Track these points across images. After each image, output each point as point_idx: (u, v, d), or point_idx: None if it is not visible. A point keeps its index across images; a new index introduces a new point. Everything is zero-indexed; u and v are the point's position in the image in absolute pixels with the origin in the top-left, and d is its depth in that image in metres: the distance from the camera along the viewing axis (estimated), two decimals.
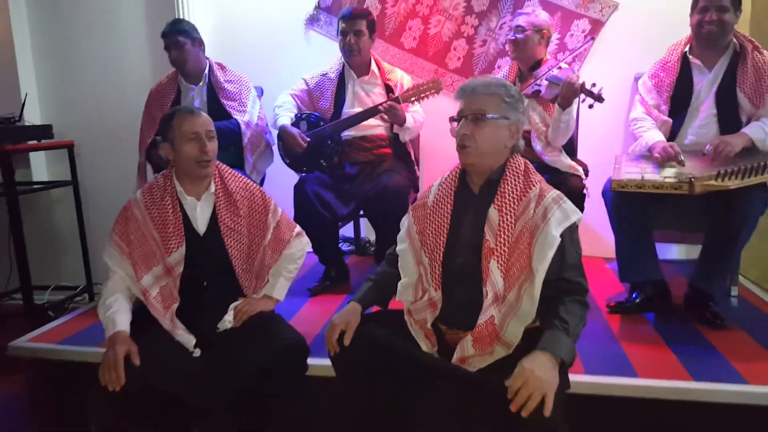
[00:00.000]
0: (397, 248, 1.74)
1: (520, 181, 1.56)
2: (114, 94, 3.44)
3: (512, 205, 1.54)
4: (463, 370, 1.52)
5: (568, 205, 1.53)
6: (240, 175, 2.01)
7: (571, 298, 1.49)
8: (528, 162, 1.62)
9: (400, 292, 1.70)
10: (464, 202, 1.64)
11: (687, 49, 2.41)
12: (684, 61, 2.40)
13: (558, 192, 1.56)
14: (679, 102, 2.39)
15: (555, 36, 3.04)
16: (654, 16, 2.94)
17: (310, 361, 1.82)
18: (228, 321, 1.83)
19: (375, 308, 1.76)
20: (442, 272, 1.61)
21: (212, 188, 1.91)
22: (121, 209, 1.91)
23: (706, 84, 2.35)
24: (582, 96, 2.35)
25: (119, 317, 1.71)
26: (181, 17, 3.20)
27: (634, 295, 2.39)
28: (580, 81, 2.34)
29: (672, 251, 3.23)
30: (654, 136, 2.37)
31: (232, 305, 1.86)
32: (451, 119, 1.64)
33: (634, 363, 1.98)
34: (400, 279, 1.69)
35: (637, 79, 2.67)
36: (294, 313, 2.46)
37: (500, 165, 1.60)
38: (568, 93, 2.36)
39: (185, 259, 1.82)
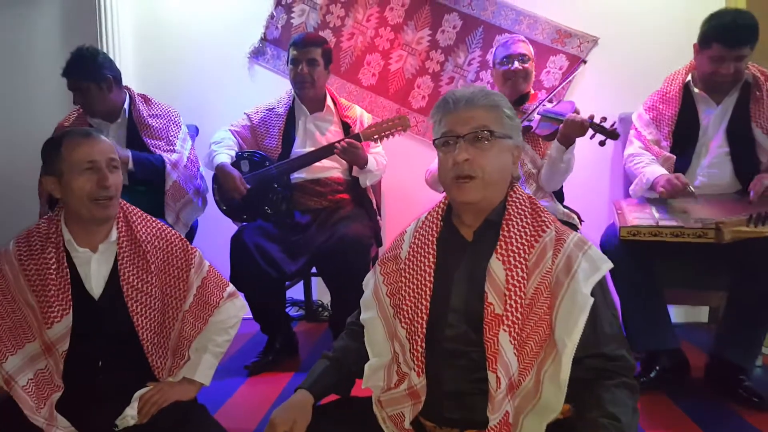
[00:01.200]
0: (362, 317, 1.34)
1: (528, 221, 1.20)
2: (17, 135, 3.19)
3: (522, 255, 1.16)
4: None
5: (595, 251, 1.17)
6: (153, 218, 1.66)
7: (615, 382, 1.12)
8: (533, 197, 1.27)
9: (367, 376, 1.28)
10: (453, 253, 1.25)
11: (689, 79, 2.24)
12: (686, 92, 2.23)
13: (579, 235, 1.21)
14: (683, 139, 2.20)
15: None
16: (638, 52, 2.86)
17: None
18: (130, 416, 1.48)
19: (332, 396, 1.35)
20: (425, 350, 1.20)
21: (113, 236, 1.56)
22: None
23: (714, 119, 2.17)
24: (590, 133, 2.14)
25: None
26: (104, 45, 2.98)
27: (648, 369, 2.10)
28: (587, 116, 2.13)
29: (671, 313, 2.96)
30: (655, 170, 2.18)
31: (138, 393, 1.51)
32: (436, 142, 1.26)
33: None
34: (365, 356, 1.31)
35: (622, 119, 2.51)
36: (225, 401, 2.12)
37: (500, 201, 1.24)
38: (572, 130, 2.14)
39: (72, 333, 1.48)
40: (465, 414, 1.17)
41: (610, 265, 1.16)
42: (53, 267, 1.48)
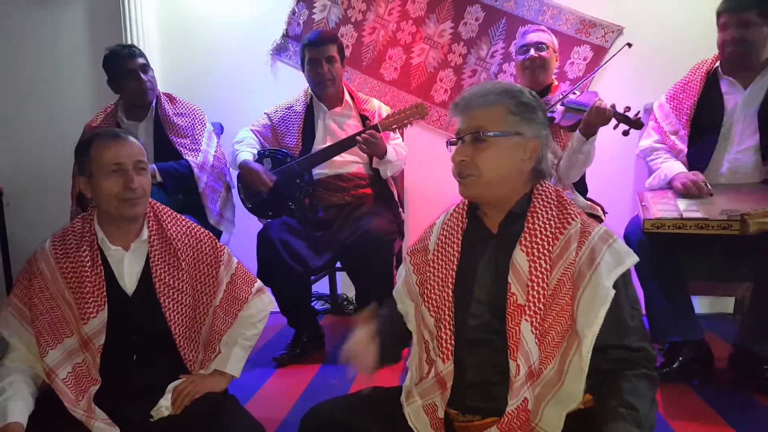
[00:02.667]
0: (398, 306, 1.40)
1: (554, 213, 1.21)
2: (48, 134, 3.24)
3: (546, 247, 1.18)
4: None
5: (620, 245, 1.18)
6: (183, 217, 1.69)
7: (636, 372, 1.13)
8: (560, 190, 1.28)
9: (410, 358, 1.35)
10: (477, 245, 1.28)
11: (717, 65, 2.21)
12: (712, 80, 2.20)
13: (605, 228, 1.21)
14: (707, 125, 2.17)
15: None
16: (663, 41, 2.80)
17: None
18: (164, 407, 1.51)
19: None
20: (453, 338, 1.24)
21: (145, 234, 1.59)
22: (24, 263, 1.59)
23: (741, 102, 2.13)
24: (614, 122, 2.12)
25: (13, 405, 1.43)
26: (130, 44, 2.97)
27: (673, 359, 2.08)
28: (610, 104, 2.11)
29: (695, 305, 2.91)
30: (673, 167, 2.17)
31: (171, 386, 1.54)
32: (449, 143, 1.30)
33: None
34: (401, 343, 1.43)
35: (647, 110, 2.48)
36: (254, 392, 2.16)
37: (524, 194, 1.25)
38: (596, 119, 2.12)
39: (108, 328, 1.52)
40: (486, 402, 1.20)
41: (635, 259, 1.17)
42: (88, 265, 1.52)
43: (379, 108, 2.63)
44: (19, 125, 3.25)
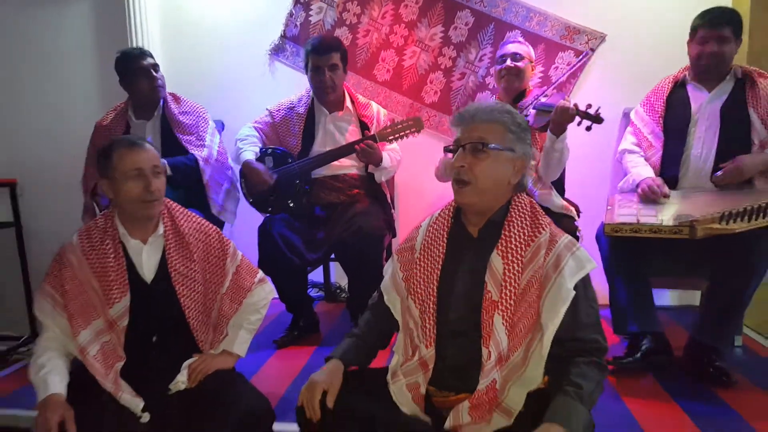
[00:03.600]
0: (385, 298, 1.55)
1: (527, 223, 1.38)
2: (61, 129, 3.27)
3: (519, 252, 1.35)
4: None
5: (582, 253, 1.36)
6: (193, 214, 1.83)
7: (586, 360, 1.30)
8: (534, 202, 1.45)
9: (396, 344, 1.51)
10: (460, 247, 1.45)
11: (686, 74, 2.35)
12: (680, 86, 2.35)
13: (570, 237, 1.39)
14: (676, 123, 2.29)
15: (539, 69, 2.97)
16: (644, 49, 2.89)
17: (276, 426, 1.63)
18: (181, 381, 1.65)
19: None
20: (436, 327, 1.41)
21: (161, 229, 1.73)
22: (54, 256, 1.72)
23: (705, 103, 2.26)
24: (578, 119, 2.23)
25: (53, 378, 1.56)
26: (133, 45, 3.04)
27: (635, 349, 2.22)
28: (573, 103, 2.23)
29: (665, 297, 3.10)
30: (642, 172, 2.29)
31: (186, 363, 1.69)
32: (446, 150, 1.46)
33: (643, 423, 1.81)
34: (386, 333, 1.56)
35: (626, 114, 2.59)
36: (257, 369, 2.29)
37: (503, 204, 1.42)
38: (561, 117, 2.23)
39: (130, 311, 1.66)
40: (460, 382, 1.37)
41: (593, 265, 1.34)
42: (111, 256, 1.65)
43: (378, 113, 2.69)
44: (31, 121, 3.27)
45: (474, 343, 1.36)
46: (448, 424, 1.33)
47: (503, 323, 1.32)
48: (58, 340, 1.63)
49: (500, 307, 1.33)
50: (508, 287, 1.33)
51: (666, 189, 2.17)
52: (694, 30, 2.25)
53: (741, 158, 2.12)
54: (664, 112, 2.32)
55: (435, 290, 1.41)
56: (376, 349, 1.56)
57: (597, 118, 2.19)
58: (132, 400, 1.57)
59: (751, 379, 2.12)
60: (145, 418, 1.56)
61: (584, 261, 1.34)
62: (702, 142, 2.23)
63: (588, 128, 2.22)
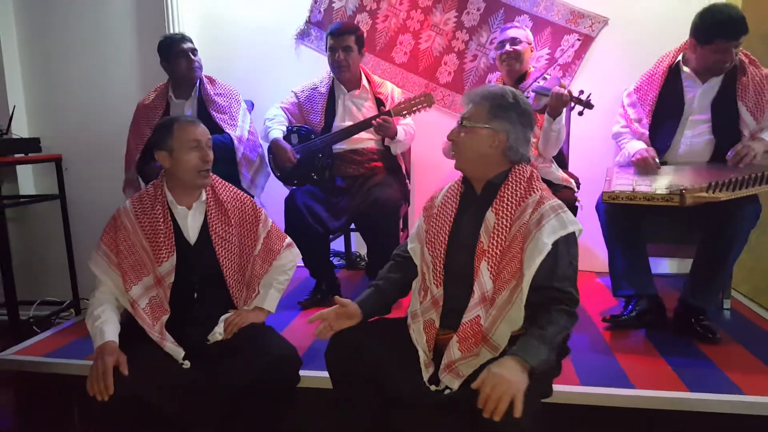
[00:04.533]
0: (409, 246, 1.76)
1: (522, 186, 1.58)
2: (102, 107, 3.43)
3: (509, 210, 1.56)
4: (441, 396, 1.53)
5: (568, 215, 1.54)
6: (230, 185, 2.01)
7: (558, 308, 1.47)
8: (535, 172, 1.63)
9: (414, 285, 1.73)
10: (467, 204, 1.67)
11: (681, 58, 2.43)
12: (674, 72, 2.42)
13: (559, 202, 1.57)
14: (669, 113, 2.40)
15: (545, 51, 3.09)
16: (645, 31, 2.98)
17: (302, 372, 1.81)
18: (218, 333, 1.82)
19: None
20: (444, 270, 1.62)
21: (203, 197, 1.91)
22: (110, 218, 1.90)
23: (699, 95, 2.36)
24: (571, 104, 2.39)
25: (107, 327, 1.70)
26: (171, 31, 3.21)
27: (629, 309, 2.38)
28: (567, 89, 2.38)
29: (664, 265, 3.24)
30: (635, 145, 2.42)
31: (223, 317, 1.86)
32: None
33: (630, 374, 1.97)
34: (402, 284, 1.75)
35: (629, 96, 2.68)
36: (285, 326, 2.45)
37: (502, 171, 1.62)
38: (556, 102, 2.39)
39: (176, 269, 1.83)
40: (459, 321, 1.55)
41: (578, 227, 1.53)
42: (161, 220, 1.83)
43: (392, 91, 2.84)
44: (76, 100, 3.42)
45: (471, 286, 1.57)
46: (443, 363, 1.54)
47: (488, 268, 1.53)
48: (111, 294, 1.79)
49: (487, 254, 1.54)
50: (496, 238, 1.54)
51: (657, 158, 2.31)
52: (707, 39, 2.22)
53: (746, 143, 2.24)
54: (655, 105, 2.41)
55: (446, 238, 1.63)
56: (393, 298, 1.75)
57: (588, 104, 2.35)
58: (175, 349, 1.73)
59: (735, 338, 2.26)
60: (186, 364, 1.73)
61: (568, 223, 1.52)
62: (694, 129, 2.36)
63: (580, 113, 2.38)
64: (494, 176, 1.62)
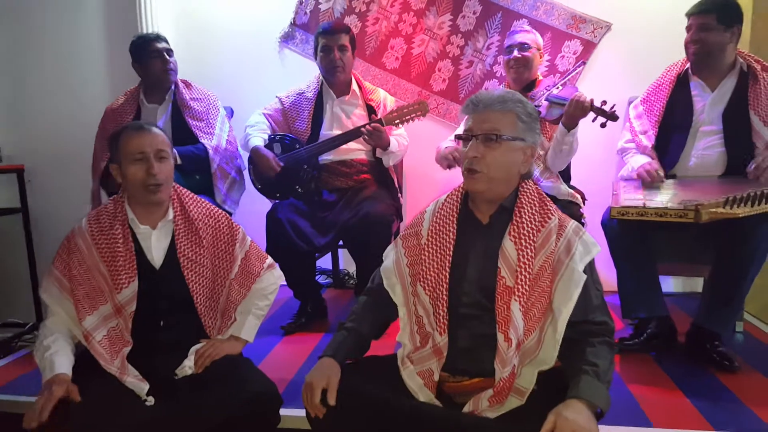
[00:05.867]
0: (385, 283, 1.54)
1: (537, 210, 1.40)
2: (69, 113, 3.30)
3: (531, 238, 1.37)
4: (471, 418, 1.34)
5: (588, 237, 1.39)
6: (203, 200, 1.84)
7: (598, 340, 1.34)
8: (539, 188, 1.47)
9: (401, 331, 1.50)
10: (469, 233, 1.45)
11: (688, 66, 2.33)
12: (682, 81, 2.32)
13: (577, 223, 1.41)
14: (678, 124, 2.29)
15: (545, 57, 2.97)
16: (648, 38, 2.89)
17: (283, 411, 1.64)
18: (188, 366, 1.65)
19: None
20: (448, 314, 1.41)
21: (170, 215, 1.74)
22: (63, 239, 1.73)
23: (708, 104, 2.25)
24: (592, 115, 2.25)
25: (59, 359, 1.56)
26: (144, 31, 3.06)
27: (640, 332, 2.26)
28: (589, 99, 2.24)
29: (669, 284, 3.11)
30: (639, 159, 2.31)
31: (193, 348, 1.69)
32: (457, 137, 1.49)
33: (647, 410, 1.83)
34: (380, 322, 1.55)
35: (631, 103, 2.58)
36: (265, 355, 2.30)
37: (512, 191, 1.44)
38: (576, 112, 2.25)
39: (138, 297, 1.66)
40: (474, 365, 1.38)
41: (599, 249, 1.37)
42: (120, 241, 1.65)
43: (385, 99, 2.70)
44: (41, 107, 3.29)
45: (486, 326, 1.37)
46: (467, 409, 1.35)
47: (520, 309, 1.33)
48: (63, 324, 1.64)
49: (516, 293, 1.34)
50: (523, 273, 1.34)
51: (662, 172, 2.20)
52: (687, 19, 2.25)
53: (767, 154, 2.11)
54: (662, 116, 2.31)
55: (447, 276, 1.41)
56: (369, 340, 1.53)
57: (612, 116, 2.20)
58: (137, 384, 1.57)
59: (752, 364, 2.13)
60: (150, 401, 1.56)
61: (590, 245, 1.36)
62: (705, 141, 2.24)
63: (603, 125, 2.24)
64: (506, 199, 1.43)
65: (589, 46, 2.94)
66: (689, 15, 2.21)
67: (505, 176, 1.40)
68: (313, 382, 1.36)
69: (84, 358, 1.60)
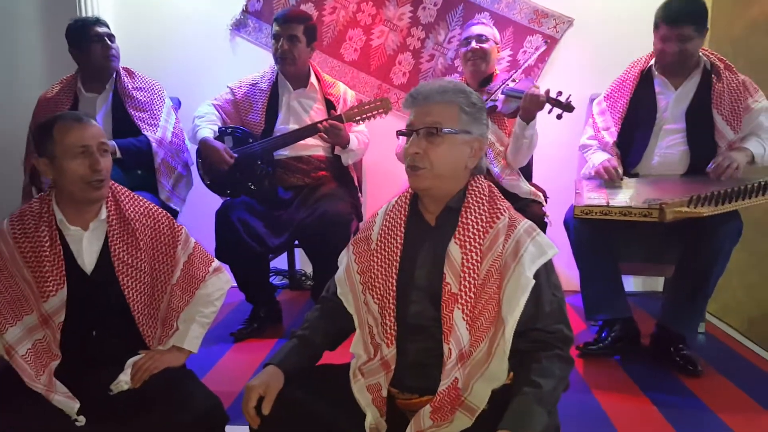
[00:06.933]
0: (338, 291, 1.44)
1: (485, 208, 1.30)
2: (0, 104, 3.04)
3: (477, 240, 1.27)
4: None
5: (543, 237, 1.28)
6: (140, 197, 1.70)
7: (548, 354, 1.22)
8: (492, 185, 1.36)
9: (355, 342, 1.40)
10: (418, 236, 1.35)
11: (652, 63, 2.30)
12: (646, 78, 2.30)
13: (530, 222, 1.31)
14: (641, 121, 2.27)
15: (507, 52, 2.95)
16: (611, 34, 2.89)
17: (229, 429, 1.52)
18: (124, 381, 1.52)
19: None
20: (395, 324, 1.31)
21: (103, 214, 1.60)
22: None
23: (672, 102, 2.24)
24: (548, 107, 2.20)
25: None
26: (83, 14, 2.89)
27: (604, 335, 2.23)
28: (544, 90, 2.19)
29: (628, 283, 3.08)
30: (599, 156, 2.30)
31: (130, 361, 1.56)
32: (399, 133, 1.37)
33: (612, 416, 1.80)
34: (334, 332, 1.44)
35: (593, 99, 2.56)
36: (212, 365, 2.20)
37: (460, 189, 1.33)
38: (531, 105, 2.21)
39: (67, 305, 1.53)
40: (423, 382, 1.28)
41: (555, 251, 1.27)
42: (47, 244, 1.51)
43: (345, 93, 2.61)
44: None
45: (435, 339, 1.27)
46: (411, 429, 1.24)
47: (463, 317, 1.24)
48: None
49: (460, 300, 1.24)
50: (467, 278, 1.25)
51: (621, 169, 2.19)
52: (656, 24, 2.19)
53: (727, 153, 2.11)
54: (625, 112, 2.29)
55: (394, 284, 1.32)
56: (321, 350, 1.43)
57: (568, 107, 2.16)
58: (66, 402, 1.44)
59: (715, 367, 2.13)
60: (81, 421, 1.44)
61: (545, 247, 1.26)
62: (668, 139, 2.23)
63: (559, 116, 2.20)
64: (452, 199, 1.33)
65: (551, 42, 2.91)
66: (662, 23, 2.15)
67: (451, 172, 1.30)
68: (251, 387, 1.27)
69: (6, 375, 1.47)
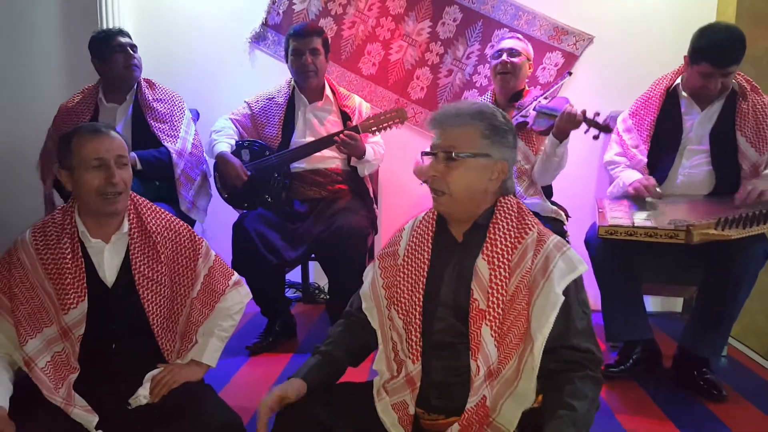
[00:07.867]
0: (363, 306, 1.43)
1: (513, 225, 1.29)
2: (20, 112, 3.11)
3: (505, 256, 1.26)
4: None
5: (573, 253, 1.26)
6: (162, 210, 1.69)
7: (580, 374, 1.20)
8: (521, 203, 1.35)
9: (378, 358, 1.39)
10: (444, 252, 1.35)
11: (678, 82, 2.28)
12: (672, 96, 2.27)
13: (559, 237, 1.29)
14: (667, 141, 2.25)
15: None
16: (631, 52, 2.88)
17: None
18: (143, 396, 1.52)
19: None
20: (421, 340, 1.30)
21: (125, 227, 1.59)
22: (4, 253, 1.57)
23: (697, 123, 2.22)
24: (584, 127, 2.18)
25: None
26: (105, 26, 2.90)
27: (626, 358, 2.19)
28: (581, 110, 2.17)
29: (647, 303, 3.02)
30: (631, 175, 2.26)
31: (149, 375, 1.56)
32: (424, 154, 1.36)
33: None
34: (357, 348, 1.43)
35: (612, 117, 2.52)
36: (228, 379, 2.18)
37: (487, 208, 1.32)
38: (568, 124, 2.18)
39: (88, 318, 1.53)
40: (449, 402, 1.27)
41: (585, 267, 1.25)
42: (69, 257, 1.51)
43: (360, 105, 2.62)
44: None
45: (462, 357, 1.26)
46: None
47: (492, 334, 1.22)
48: (2, 348, 1.49)
49: (488, 316, 1.23)
50: (496, 294, 1.24)
51: (658, 188, 2.16)
52: (696, 59, 2.11)
53: (754, 182, 2.07)
54: (653, 130, 2.27)
55: (420, 299, 1.31)
56: (344, 366, 1.41)
57: (606, 128, 2.15)
58: (85, 416, 1.43)
59: (739, 391, 2.09)
60: None
61: (576, 262, 1.24)
62: (692, 159, 2.21)
63: (595, 137, 2.17)
64: (480, 216, 1.32)
65: (570, 59, 2.91)
66: (708, 63, 2.07)
67: (469, 195, 1.29)
68: (274, 391, 1.28)
69: (25, 387, 1.46)
